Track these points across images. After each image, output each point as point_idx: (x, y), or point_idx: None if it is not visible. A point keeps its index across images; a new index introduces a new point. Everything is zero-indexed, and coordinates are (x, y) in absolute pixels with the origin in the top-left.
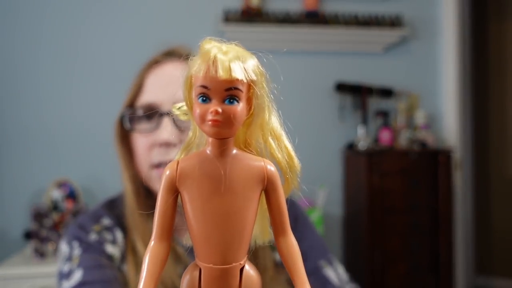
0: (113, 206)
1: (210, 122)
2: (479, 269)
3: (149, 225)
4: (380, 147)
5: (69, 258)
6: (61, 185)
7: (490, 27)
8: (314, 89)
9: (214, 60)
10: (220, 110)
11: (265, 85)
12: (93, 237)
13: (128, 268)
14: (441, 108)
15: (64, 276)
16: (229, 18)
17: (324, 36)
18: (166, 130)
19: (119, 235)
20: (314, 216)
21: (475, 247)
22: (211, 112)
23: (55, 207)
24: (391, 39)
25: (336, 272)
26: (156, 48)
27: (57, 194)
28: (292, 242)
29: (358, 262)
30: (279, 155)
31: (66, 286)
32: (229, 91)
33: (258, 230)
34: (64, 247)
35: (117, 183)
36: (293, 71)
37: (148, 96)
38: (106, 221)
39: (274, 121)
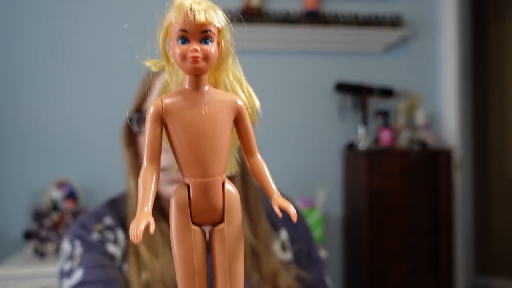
0: (115, 206)
1: (191, 59)
2: (479, 269)
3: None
4: (380, 147)
5: (71, 257)
6: (61, 185)
7: (490, 27)
8: (314, 89)
9: (191, 8)
10: (198, 48)
11: (229, 35)
12: (95, 236)
13: (129, 268)
14: (441, 108)
15: (65, 274)
16: (228, 18)
17: (324, 36)
18: None
19: (120, 235)
20: (314, 216)
21: (475, 247)
22: (192, 50)
23: (55, 207)
24: (391, 39)
25: (328, 277)
26: (156, 51)
27: (57, 194)
28: (259, 160)
29: (358, 262)
30: (242, 95)
31: (67, 284)
32: (205, 33)
33: (227, 163)
34: (66, 245)
35: (117, 183)
36: (293, 71)
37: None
38: (108, 221)
39: (237, 68)
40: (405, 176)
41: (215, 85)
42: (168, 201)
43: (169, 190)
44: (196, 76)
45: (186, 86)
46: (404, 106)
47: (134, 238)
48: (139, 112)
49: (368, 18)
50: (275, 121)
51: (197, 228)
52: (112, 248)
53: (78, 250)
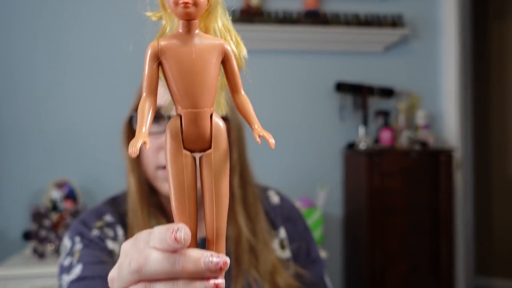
0: (116, 204)
1: (182, 5)
2: (480, 270)
3: (150, 223)
4: (380, 147)
5: (70, 253)
6: (60, 185)
7: (491, 26)
8: (315, 89)
9: None
10: None
11: None
12: (94, 233)
13: None
14: (442, 108)
15: (64, 270)
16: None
17: (324, 36)
18: None
19: (120, 232)
20: (314, 216)
21: (476, 247)
22: None
23: (54, 207)
24: (392, 39)
25: (328, 278)
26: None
27: (56, 194)
28: (244, 97)
29: (358, 262)
30: (230, 42)
31: (66, 279)
32: None
33: (216, 103)
34: (66, 241)
35: (116, 183)
36: (293, 71)
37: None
38: (108, 218)
39: (226, 17)
40: (405, 176)
41: (206, 31)
42: (167, 198)
43: (167, 187)
44: (188, 21)
45: (180, 30)
46: (404, 106)
47: (131, 153)
48: None
49: (368, 17)
50: (275, 121)
51: (188, 153)
52: (111, 245)
53: (78, 246)
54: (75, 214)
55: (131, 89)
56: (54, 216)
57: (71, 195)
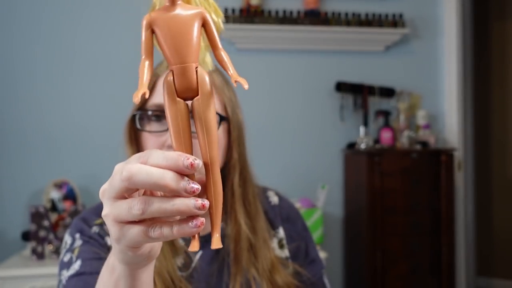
0: None
1: None
2: (480, 270)
3: None
4: (381, 147)
5: (70, 249)
6: (59, 185)
7: (492, 26)
8: (315, 89)
9: None
10: None
11: None
12: (94, 230)
13: None
14: (443, 108)
15: (64, 265)
16: (228, 16)
17: (325, 35)
18: None
19: None
20: (315, 216)
21: (477, 248)
22: None
23: (53, 207)
24: (393, 39)
25: (327, 279)
26: (155, 51)
27: (55, 194)
28: (223, 52)
29: (358, 262)
30: (208, 8)
31: (65, 275)
32: None
33: (201, 60)
34: (67, 238)
35: None
36: (294, 71)
37: (159, 98)
38: None
39: None
40: (406, 176)
41: (187, 2)
42: None
43: None
44: None
45: (166, 3)
46: (405, 106)
47: (135, 101)
48: (141, 110)
49: (369, 17)
50: (275, 121)
51: (181, 100)
52: (110, 241)
53: (78, 242)
54: (74, 214)
55: (130, 90)
56: (53, 216)
57: (70, 195)
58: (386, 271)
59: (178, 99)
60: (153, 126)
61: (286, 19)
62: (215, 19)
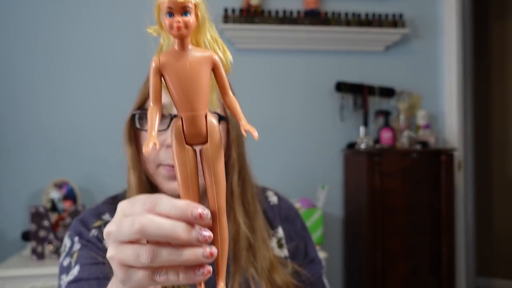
0: (116, 202)
1: (176, 28)
2: (480, 270)
3: None
4: (381, 147)
5: (69, 253)
6: (59, 185)
7: (492, 26)
8: (315, 89)
9: None
10: (180, 20)
11: (203, 5)
12: (93, 233)
13: None
14: (443, 108)
15: (64, 270)
16: (228, 16)
17: (325, 35)
18: None
19: None
20: (315, 216)
21: (477, 248)
22: (176, 21)
23: (53, 207)
24: (393, 38)
25: (326, 279)
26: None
27: (55, 194)
28: (232, 97)
29: (358, 262)
30: (218, 50)
31: (65, 280)
32: (184, 9)
33: (209, 102)
34: (66, 240)
35: (115, 183)
36: (294, 71)
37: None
38: (107, 217)
39: (213, 29)
40: (406, 176)
41: (197, 45)
42: (166, 194)
43: (169, 185)
44: (181, 40)
45: (175, 47)
46: (405, 106)
47: (145, 152)
48: (141, 109)
49: (369, 17)
50: (275, 121)
51: (189, 147)
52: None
53: (76, 246)
54: (74, 214)
55: (130, 90)
56: (53, 217)
57: (70, 196)
58: (386, 271)
59: (187, 146)
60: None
61: (286, 19)
62: (224, 60)
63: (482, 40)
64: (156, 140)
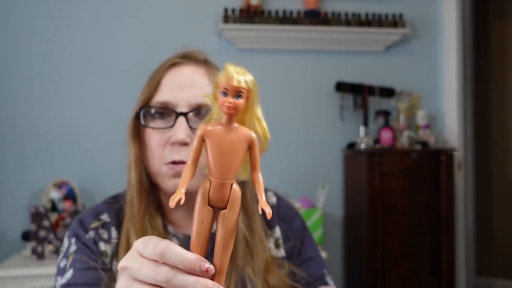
0: (115, 202)
1: (226, 107)
2: (480, 270)
3: (145, 219)
4: (381, 147)
5: (66, 255)
6: (59, 185)
7: (492, 25)
8: (315, 89)
9: (232, 76)
10: (232, 101)
11: (256, 90)
12: (90, 235)
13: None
14: (443, 108)
15: (59, 271)
16: (228, 16)
17: (325, 35)
18: (183, 130)
19: (113, 233)
20: (315, 216)
21: (477, 248)
22: (228, 102)
23: (53, 207)
24: (392, 38)
25: (332, 281)
26: (154, 51)
27: (55, 194)
28: (259, 176)
29: (358, 263)
30: (259, 130)
31: (59, 282)
32: (237, 92)
33: (241, 170)
34: (65, 240)
35: (115, 183)
36: (294, 71)
37: (164, 96)
38: (105, 217)
39: (259, 111)
40: (406, 176)
41: (242, 122)
42: (166, 194)
43: (171, 182)
44: (229, 116)
45: (223, 121)
46: (405, 106)
47: (170, 205)
48: (146, 107)
49: (369, 17)
50: (275, 121)
51: (210, 208)
52: (103, 246)
53: (73, 248)
54: (74, 214)
55: (129, 90)
56: (53, 217)
57: (70, 196)
58: (386, 271)
59: (208, 207)
60: (157, 123)
61: (286, 19)
62: (262, 139)
63: (482, 40)
64: (183, 196)
